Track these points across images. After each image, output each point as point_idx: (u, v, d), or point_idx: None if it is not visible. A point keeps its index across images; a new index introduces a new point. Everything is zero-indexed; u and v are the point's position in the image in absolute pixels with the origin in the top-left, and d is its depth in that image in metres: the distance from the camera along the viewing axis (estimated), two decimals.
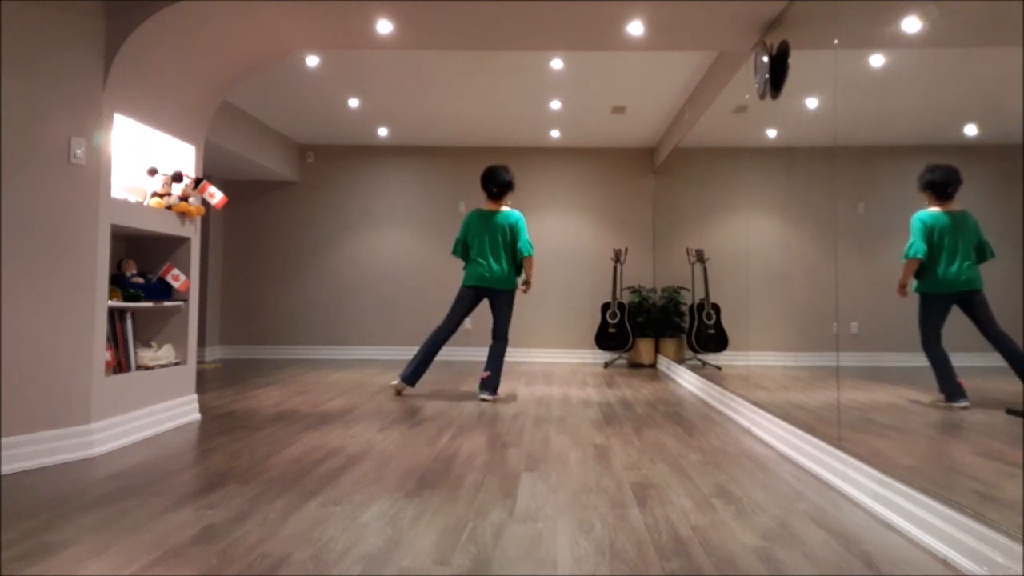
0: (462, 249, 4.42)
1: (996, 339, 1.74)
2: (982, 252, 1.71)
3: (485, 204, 4.44)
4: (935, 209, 1.86)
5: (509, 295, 4.33)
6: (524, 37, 3.49)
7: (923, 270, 1.93)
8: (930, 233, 1.89)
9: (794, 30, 2.94)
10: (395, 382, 4.42)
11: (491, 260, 4.29)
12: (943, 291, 1.86)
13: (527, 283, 4.42)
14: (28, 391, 2.60)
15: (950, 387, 1.88)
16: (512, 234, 4.34)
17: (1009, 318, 1.57)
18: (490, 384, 4.29)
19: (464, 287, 4.35)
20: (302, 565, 1.65)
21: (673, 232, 5.89)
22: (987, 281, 1.68)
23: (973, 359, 1.74)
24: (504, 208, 4.39)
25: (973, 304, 1.76)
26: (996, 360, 1.63)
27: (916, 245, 1.93)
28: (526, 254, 4.32)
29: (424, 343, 4.36)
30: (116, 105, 2.90)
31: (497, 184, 4.36)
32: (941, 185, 1.84)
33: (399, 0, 3.08)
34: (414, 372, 4.35)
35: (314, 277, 7.11)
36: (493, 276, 4.28)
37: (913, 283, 1.97)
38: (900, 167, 2.05)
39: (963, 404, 1.82)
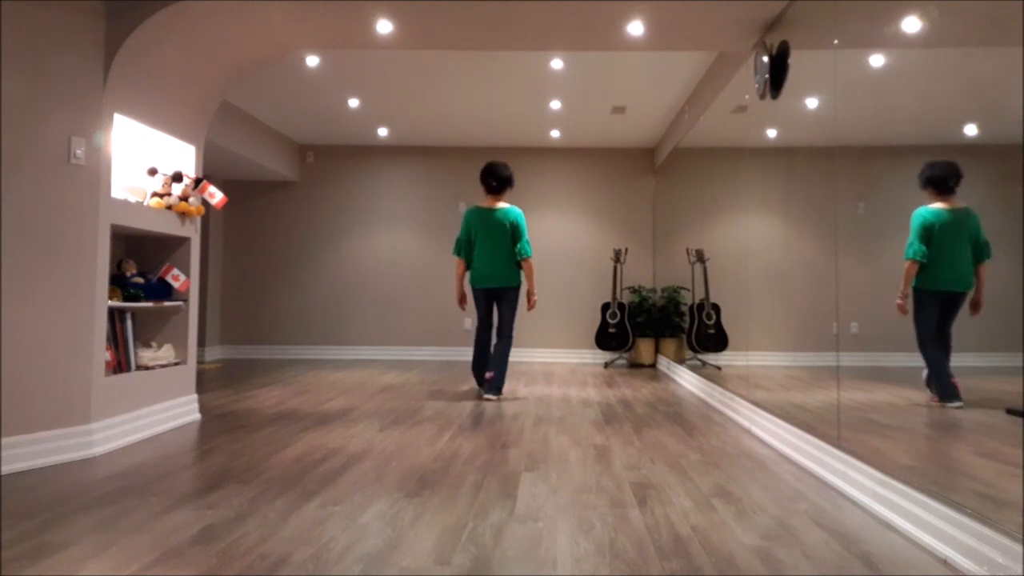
0: (466, 249, 4.40)
1: (944, 337, 1.77)
2: (979, 252, 1.71)
3: (483, 200, 4.42)
4: (937, 205, 1.86)
5: (514, 292, 4.33)
6: (524, 37, 3.49)
7: (921, 267, 1.93)
8: (928, 231, 1.89)
9: (794, 30, 2.94)
10: (490, 397, 4.31)
11: (494, 260, 4.29)
12: (937, 288, 1.86)
13: (530, 294, 4.35)
14: (28, 391, 2.60)
15: (944, 387, 1.88)
16: (513, 231, 4.31)
17: (1009, 317, 1.57)
18: (495, 384, 4.29)
19: (474, 289, 4.37)
20: (302, 565, 1.65)
21: (673, 232, 5.89)
22: (988, 281, 1.68)
23: (973, 359, 1.73)
24: (503, 204, 4.37)
25: (955, 305, 1.77)
26: (996, 360, 1.63)
27: (914, 246, 1.93)
28: (524, 256, 4.27)
29: (474, 351, 4.41)
30: (116, 105, 2.90)
31: (497, 178, 4.34)
32: (941, 180, 1.84)
33: (399, 0, 3.08)
34: (482, 379, 4.40)
35: (314, 277, 7.11)
36: (498, 275, 4.28)
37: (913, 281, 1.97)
38: (900, 167, 2.05)
39: (956, 404, 1.82)
